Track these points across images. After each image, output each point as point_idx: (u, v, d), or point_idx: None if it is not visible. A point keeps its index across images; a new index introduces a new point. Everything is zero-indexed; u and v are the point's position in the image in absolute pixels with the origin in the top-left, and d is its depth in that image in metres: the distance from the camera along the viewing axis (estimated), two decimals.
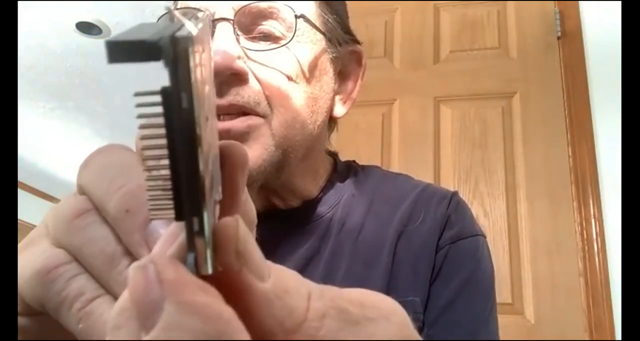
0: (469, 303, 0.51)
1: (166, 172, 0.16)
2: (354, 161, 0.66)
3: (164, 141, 0.15)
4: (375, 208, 0.57)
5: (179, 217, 0.16)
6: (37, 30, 2.59)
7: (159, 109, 0.15)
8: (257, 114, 0.49)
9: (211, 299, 0.15)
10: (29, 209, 3.16)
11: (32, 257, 0.23)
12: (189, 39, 0.14)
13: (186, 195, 0.15)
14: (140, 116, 0.16)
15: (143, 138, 0.16)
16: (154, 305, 0.14)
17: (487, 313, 0.52)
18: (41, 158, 4.12)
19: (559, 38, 1.63)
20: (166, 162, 0.16)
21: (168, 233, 0.17)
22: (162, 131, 0.15)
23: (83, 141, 3.78)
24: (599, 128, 1.51)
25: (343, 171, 0.62)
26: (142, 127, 0.16)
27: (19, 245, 0.25)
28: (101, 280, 0.22)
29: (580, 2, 1.65)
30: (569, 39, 1.62)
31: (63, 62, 2.85)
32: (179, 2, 0.55)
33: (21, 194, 4.26)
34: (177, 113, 0.15)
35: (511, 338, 1.33)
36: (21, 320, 0.24)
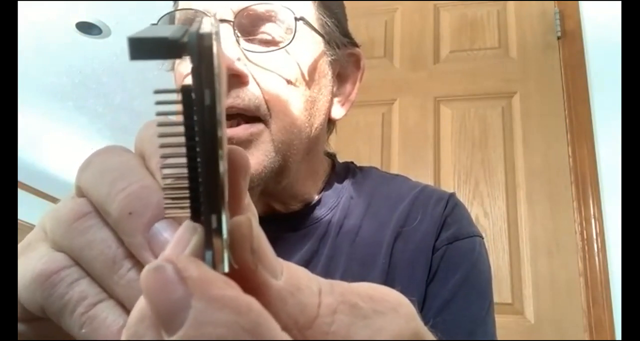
0: (466, 303, 0.51)
1: (184, 171, 0.16)
2: (351, 162, 0.66)
3: (182, 139, 0.15)
4: (373, 210, 0.57)
5: (195, 217, 0.16)
6: (37, 30, 2.59)
7: (179, 107, 0.15)
8: (257, 118, 0.49)
9: (239, 292, 0.15)
10: (29, 209, 3.16)
11: (31, 262, 0.23)
12: (212, 36, 0.14)
13: (206, 192, 0.15)
14: (159, 114, 0.16)
15: (161, 136, 0.16)
16: (179, 303, 0.14)
17: (484, 313, 0.52)
18: (41, 158, 4.12)
19: (559, 38, 1.63)
20: (184, 160, 0.16)
21: (177, 238, 0.16)
22: (181, 129, 0.15)
23: (83, 141, 3.78)
24: (599, 128, 1.50)
25: (341, 172, 0.62)
26: (161, 124, 0.16)
27: None
28: (103, 283, 0.21)
29: (580, 2, 1.65)
30: (569, 38, 1.62)
31: (63, 62, 2.85)
32: (180, 2, 0.55)
33: (21, 194, 4.26)
34: (200, 110, 0.15)
35: (511, 338, 1.33)
36: (19, 326, 0.24)
